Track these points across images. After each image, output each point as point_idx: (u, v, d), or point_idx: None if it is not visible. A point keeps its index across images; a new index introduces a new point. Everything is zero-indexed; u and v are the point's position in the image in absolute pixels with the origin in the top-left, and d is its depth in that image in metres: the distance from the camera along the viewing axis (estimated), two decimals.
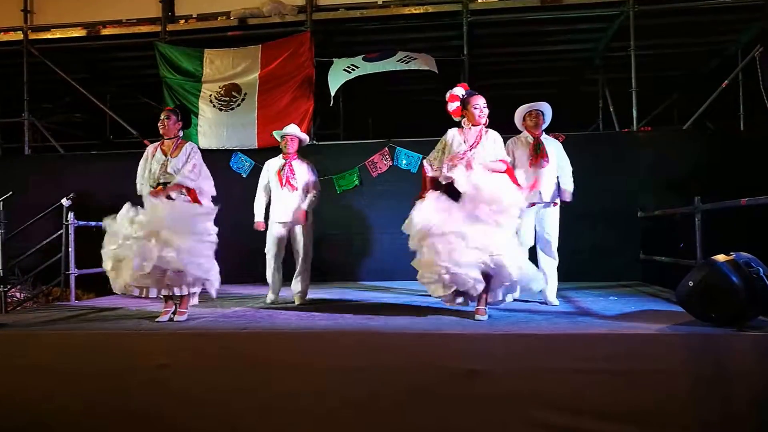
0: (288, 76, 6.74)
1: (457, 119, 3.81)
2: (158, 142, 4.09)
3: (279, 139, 4.81)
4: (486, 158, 3.66)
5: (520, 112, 4.42)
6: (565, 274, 5.86)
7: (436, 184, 3.73)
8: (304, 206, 4.62)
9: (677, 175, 6.13)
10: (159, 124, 4.04)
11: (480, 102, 3.71)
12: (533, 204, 4.19)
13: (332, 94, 6.42)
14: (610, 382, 2.96)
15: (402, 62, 6.39)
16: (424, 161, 3.90)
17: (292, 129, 4.78)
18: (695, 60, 7.71)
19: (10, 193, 6.18)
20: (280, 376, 3.18)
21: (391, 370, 3.10)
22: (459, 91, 3.78)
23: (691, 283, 3.31)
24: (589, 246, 6.09)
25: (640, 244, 6.13)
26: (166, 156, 3.97)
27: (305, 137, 4.88)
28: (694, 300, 3.31)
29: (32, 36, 7.32)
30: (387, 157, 6.57)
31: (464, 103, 3.74)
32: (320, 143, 6.90)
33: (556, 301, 4.33)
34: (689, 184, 5.66)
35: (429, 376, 3.07)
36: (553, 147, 4.40)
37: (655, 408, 2.93)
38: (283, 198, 4.63)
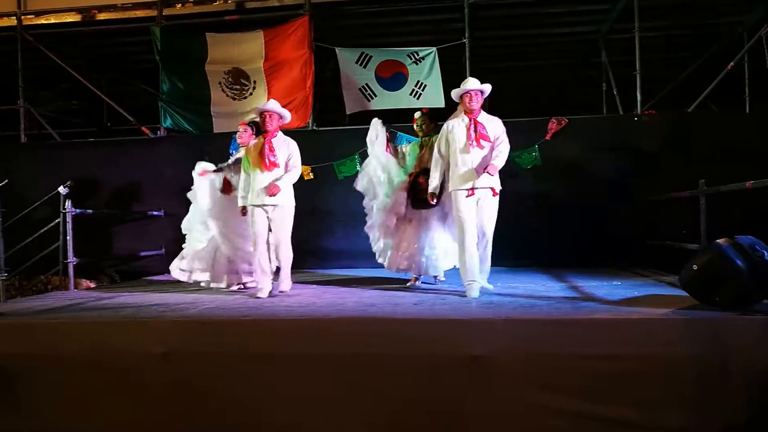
0: (290, 64, 6.68)
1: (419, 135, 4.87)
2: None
3: (258, 117, 4.54)
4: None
5: (456, 93, 4.23)
6: (567, 259, 5.92)
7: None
8: (280, 182, 4.34)
9: (682, 159, 6.06)
10: (238, 136, 4.84)
11: (420, 121, 4.85)
12: (473, 191, 4.07)
13: (348, 112, 6.73)
14: (613, 366, 2.94)
15: (413, 95, 6.73)
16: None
17: (272, 105, 4.52)
18: (700, 42, 7.60)
19: (5, 181, 6.14)
20: (282, 363, 3.17)
21: (394, 356, 3.09)
22: (418, 114, 4.87)
23: (695, 267, 3.29)
24: (592, 230, 6.05)
25: (643, 229, 6.08)
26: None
27: (287, 114, 4.58)
28: (698, 284, 3.29)
29: (26, 21, 7.21)
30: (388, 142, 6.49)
31: (419, 120, 4.85)
32: (320, 129, 6.83)
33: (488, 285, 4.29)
34: (694, 168, 5.60)
35: (432, 362, 3.05)
36: (494, 127, 4.17)
37: (659, 392, 2.92)
38: (264, 180, 4.34)
